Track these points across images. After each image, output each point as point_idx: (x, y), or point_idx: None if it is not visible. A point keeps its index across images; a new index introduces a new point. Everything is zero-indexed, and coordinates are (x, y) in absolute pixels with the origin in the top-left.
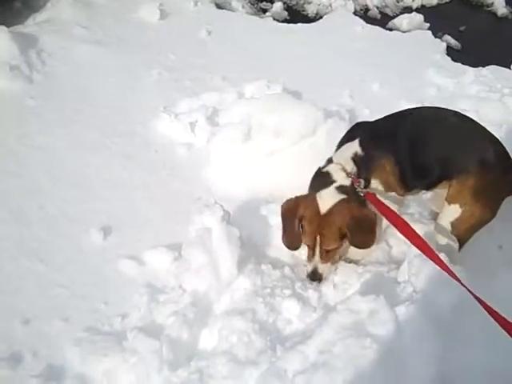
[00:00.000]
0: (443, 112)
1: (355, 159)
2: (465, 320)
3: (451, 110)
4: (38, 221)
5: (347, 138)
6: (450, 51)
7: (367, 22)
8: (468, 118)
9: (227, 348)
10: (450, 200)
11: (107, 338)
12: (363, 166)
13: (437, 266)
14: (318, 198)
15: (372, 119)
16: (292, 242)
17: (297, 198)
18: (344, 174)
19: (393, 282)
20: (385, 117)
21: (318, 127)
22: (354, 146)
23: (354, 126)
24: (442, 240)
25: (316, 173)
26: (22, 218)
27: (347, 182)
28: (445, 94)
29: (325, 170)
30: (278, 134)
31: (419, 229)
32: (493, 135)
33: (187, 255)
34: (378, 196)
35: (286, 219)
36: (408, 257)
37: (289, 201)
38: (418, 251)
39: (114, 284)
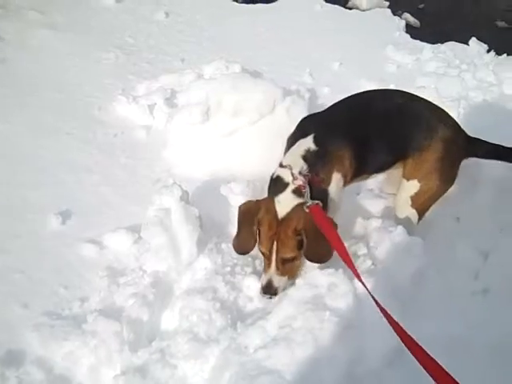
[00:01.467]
0: (390, 93)
1: (307, 157)
2: (423, 292)
3: (397, 91)
4: None
5: (299, 135)
6: (409, 29)
7: (326, 1)
8: (414, 95)
9: (188, 327)
10: (408, 176)
11: (67, 322)
12: (320, 163)
13: (396, 239)
14: (275, 203)
15: (332, 98)
16: (243, 246)
17: (257, 201)
18: (291, 177)
19: (352, 255)
20: (332, 106)
21: (277, 105)
22: (307, 143)
23: (302, 121)
24: (402, 214)
25: (270, 179)
26: None
27: (295, 184)
28: (404, 71)
29: (275, 175)
30: (236, 114)
31: (381, 204)
32: (441, 109)
33: (147, 236)
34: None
35: (243, 221)
36: (367, 231)
37: (248, 203)
38: (377, 225)
39: (74, 268)
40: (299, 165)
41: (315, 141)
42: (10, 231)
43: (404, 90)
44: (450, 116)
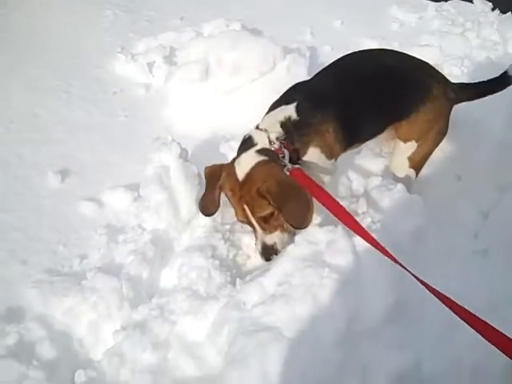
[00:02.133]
0: (378, 56)
1: (286, 125)
2: (422, 249)
3: (386, 51)
4: None
5: (283, 101)
6: None
7: None
8: (403, 54)
9: (187, 284)
10: (404, 138)
11: (67, 279)
12: (297, 134)
13: (396, 197)
14: (236, 165)
15: (333, 56)
16: (206, 209)
17: (221, 165)
18: (267, 141)
19: (353, 213)
20: (320, 73)
21: (277, 63)
22: (288, 111)
23: (290, 89)
24: (400, 173)
25: (242, 140)
26: None
27: (271, 147)
28: (407, 30)
29: (248, 135)
30: (236, 72)
31: (380, 163)
32: (429, 65)
33: (146, 194)
34: (305, 172)
35: (207, 184)
36: (367, 189)
37: (212, 167)
38: (377, 183)
39: (73, 226)
40: (277, 130)
41: (297, 110)
42: (8, 189)
43: (406, 48)
44: (437, 71)
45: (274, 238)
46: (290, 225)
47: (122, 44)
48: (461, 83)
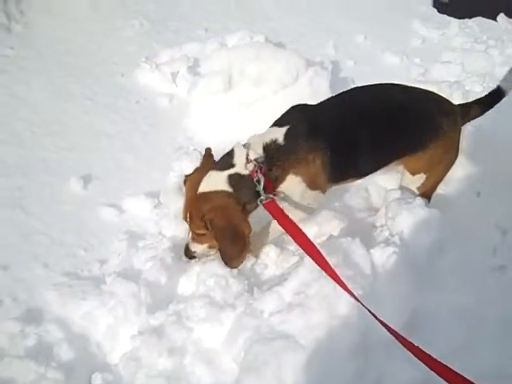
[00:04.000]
0: (388, 90)
1: (270, 147)
2: (439, 264)
3: (396, 86)
4: (17, 169)
5: (278, 122)
6: (437, 3)
7: None
8: (412, 88)
9: (205, 291)
10: (412, 171)
11: (86, 283)
12: (279, 158)
13: (414, 211)
14: (206, 176)
15: (355, 71)
16: None
17: (209, 158)
18: (244, 160)
19: (370, 226)
20: (326, 100)
21: (299, 76)
22: (277, 133)
23: (290, 109)
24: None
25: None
26: (2, 166)
27: (246, 171)
28: (430, 46)
29: (232, 148)
30: (259, 83)
31: (399, 178)
32: (438, 96)
33: (166, 202)
34: (279, 204)
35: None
36: (385, 202)
37: (208, 151)
38: (397, 196)
39: (94, 231)
40: (258, 151)
41: (286, 134)
42: (32, 194)
43: (428, 64)
44: (447, 101)
45: (198, 248)
46: (221, 258)
47: (146, 53)
48: (464, 104)
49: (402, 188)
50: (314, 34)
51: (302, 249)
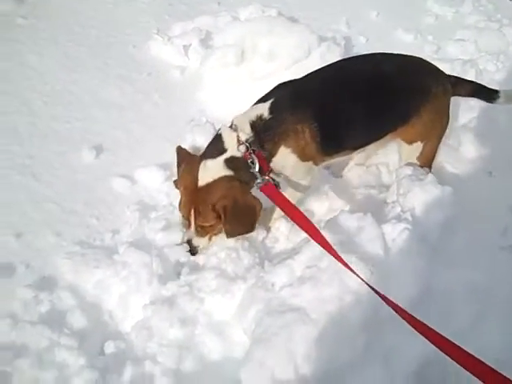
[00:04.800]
0: (374, 60)
1: (256, 124)
2: (450, 240)
3: (382, 56)
4: (29, 138)
5: (262, 98)
6: None
7: None
8: (399, 56)
9: (216, 264)
10: (409, 140)
11: (99, 252)
12: (268, 133)
13: (426, 187)
14: (201, 167)
15: (367, 47)
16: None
17: (187, 155)
18: (236, 143)
19: (381, 203)
20: (310, 74)
21: (311, 51)
22: (262, 109)
23: (274, 87)
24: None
25: (215, 134)
26: (14, 134)
27: (238, 152)
28: (443, 24)
29: (219, 132)
30: (271, 58)
31: None
32: (424, 62)
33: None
34: (276, 188)
35: (178, 164)
36: (397, 178)
37: (182, 151)
38: (408, 172)
39: (106, 201)
40: (246, 131)
41: (271, 108)
42: (44, 163)
43: (441, 42)
44: (434, 66)
45: (201, 241)
46: (225, 232)
47: (158, 26)
48: (457, 77)
49: (413, 165)
50: (327, 10)
51: (302, 229)
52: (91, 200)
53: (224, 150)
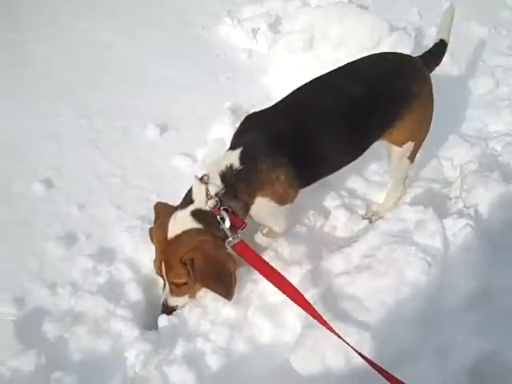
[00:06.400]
0: (343, 77)
1: (227, 176)
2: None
3: (347, 67)
4: (96, 113)
5: (232, 143)
6: None
7: None
8: (369, 62)
9: (273, 247)
10: (399, 143)
11: None
12: (240, 184)
13: (491, 185)
14: (171, 219)
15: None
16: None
17: (164, 208)
18: (204, 196)
19: (443, 197)
20: (280, 102)
21: (381, 40)
22: (231, 158)
23: (243, 123)
24: (402, 173)
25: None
26: (82, 109)
27: (207, 206)
28: None
29: (192, 183)
30: (340, 45)
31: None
32: (400, 62)
33: None
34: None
35: (154, 221)
36: (461, 174)
37: (158, 205)
38: (473, 168)
39: (167, 178)
40: (216, 183)
41: (241, 158)
42: (109, 138)
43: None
44: (410, 60)
45: (179, 301)
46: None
47: (228, 8)
48: (424, 55)
49: (480, 162)
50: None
51: (280, 290)
52: (153, 176)
53: (190, 202)
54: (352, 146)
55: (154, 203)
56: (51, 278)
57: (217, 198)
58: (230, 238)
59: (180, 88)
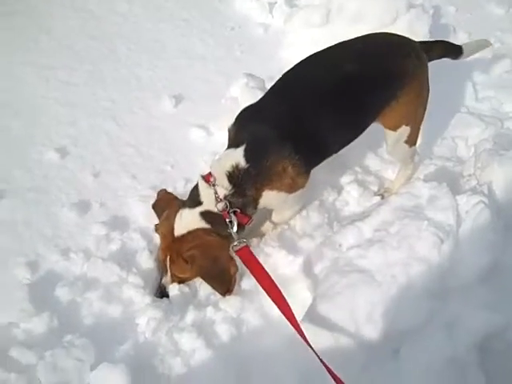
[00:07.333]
0: (337, 54)
1: (234, 176)
2: None
3: (343, 48)
4: (112, 82)
5: (231, 141)
6: None
7: None
8: (365, 41)
9: None
10: (393, 127)
11: None
12: (249, 182)
13: (506, 163)
14: (177, 217)
15: (457, 19)
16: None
17: (170, 199)
18: (213, 199)
19: (457, 175)
20: (274, 90)
21: (399, 17)
22: (236, 157)
23: (239, 118)
24: (403, 158)
25: (197, 181)
26: (97, 78)
27: (216, 208)
28: None
29: (197, 183)
30: (357, 20)
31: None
32: (394, 37)
33: None
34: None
35: (153, 205)
36: (476, 151)
37: (161, 192)
38: (488, 146)
39: (181, 150)
40: (224, 185)
41: (245, 156)
42: (124, 107)
43: None
44: (405, 40)
45: (176, 288)
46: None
47: None
48: (426, 42)
49: (494, 140)
50: None
51: (274, 302)
52: (167, 147)
53: (199, 203)
54: (349, 128)
55: (159, 192)
56: (65, 243)
57: (226, 201)
58: (236, 243)
59: (196, 60)
